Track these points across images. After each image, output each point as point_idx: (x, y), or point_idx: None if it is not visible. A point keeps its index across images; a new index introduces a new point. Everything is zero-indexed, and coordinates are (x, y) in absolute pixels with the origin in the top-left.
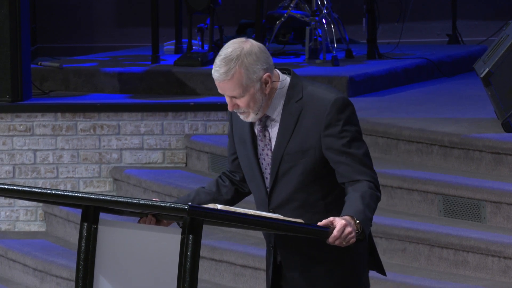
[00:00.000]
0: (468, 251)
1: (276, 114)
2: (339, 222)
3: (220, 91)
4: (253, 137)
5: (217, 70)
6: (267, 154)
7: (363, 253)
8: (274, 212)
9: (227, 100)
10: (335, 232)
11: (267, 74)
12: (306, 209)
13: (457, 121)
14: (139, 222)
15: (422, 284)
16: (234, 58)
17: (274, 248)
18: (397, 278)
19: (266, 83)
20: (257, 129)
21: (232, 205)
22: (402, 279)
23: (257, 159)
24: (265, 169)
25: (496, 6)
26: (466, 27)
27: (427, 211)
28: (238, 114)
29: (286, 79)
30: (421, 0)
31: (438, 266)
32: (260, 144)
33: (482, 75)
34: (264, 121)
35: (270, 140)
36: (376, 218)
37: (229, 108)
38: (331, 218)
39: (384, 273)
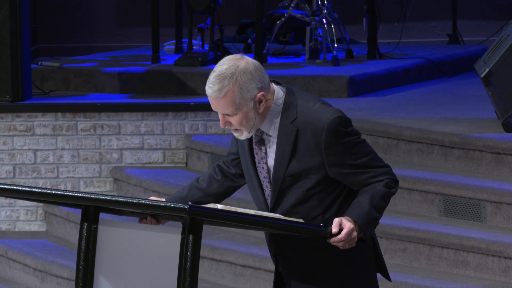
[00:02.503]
0: (469, 251)
1: (272, 131)
2: (347, 225)
3: (212, 107)
4: (251, 146)
5: (211, 87)
6: (263, 168)
7: (368, 265)
8: None
9: (220, 116)
10: (343, 234)
11: (261, 93)
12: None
13: (458, 121)
14: (140, 222)
15: (422, 284)
16: (228, 76)
17: (275, 257)
18: (398, 278)
19: (260, 102)
20: (254, 140)
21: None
22: (402, 279)
23: (255, 168)
24: (262, 181)
25: (496, 6)
26: (466, 27)
27: (427, 211)
28: (231, 131)
29: (282, 97)
30: (422, 0)
31: (439, 266)
32: (256, 157)
33: (482, 75)
34: (260, 135)
35: (266, 154)
36: None
37: (221, 125)
38: (338, 220)
39: (389, 278)
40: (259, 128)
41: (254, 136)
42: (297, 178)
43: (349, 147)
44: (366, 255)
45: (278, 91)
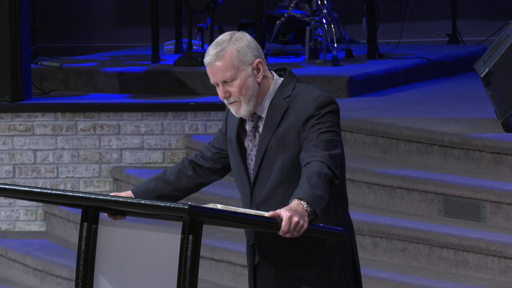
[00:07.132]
0: (468, 251)
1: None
2: (284, 215)
3: (212, 77)
4: (239, 135)
5: (209, 54)
6: (252, 160)
7: (346, 256)
8: (256, 210)
9: (219, 89)
10: (282, 227)
11: (259, 60)
12: (286, 205)
13: (457, 121)
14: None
15: (422, 284)
16: (226, 40)
17: (253, 247)
18: (397, 278)
19: (258, 70)
20: (248, 128)
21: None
22: (402, 279)
23: (243, 158)
24: (251, 172)
25: (496, 6)
26: (466, 26)
27: (427, 211)
28: (229, 106)
29: (283, 77)
30: (421, 0)
31: (438, 266)
32: (249, 144)
33: (482, 75)
34: (256, 121)
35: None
36: (376, 218)
37: (221, 95)
38: (277, 211)
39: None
40: (255, 113)
41: (249, 123)
42: (276, 154)
43: (322, 126)
44: (344, 250)
45: (278, 77)
